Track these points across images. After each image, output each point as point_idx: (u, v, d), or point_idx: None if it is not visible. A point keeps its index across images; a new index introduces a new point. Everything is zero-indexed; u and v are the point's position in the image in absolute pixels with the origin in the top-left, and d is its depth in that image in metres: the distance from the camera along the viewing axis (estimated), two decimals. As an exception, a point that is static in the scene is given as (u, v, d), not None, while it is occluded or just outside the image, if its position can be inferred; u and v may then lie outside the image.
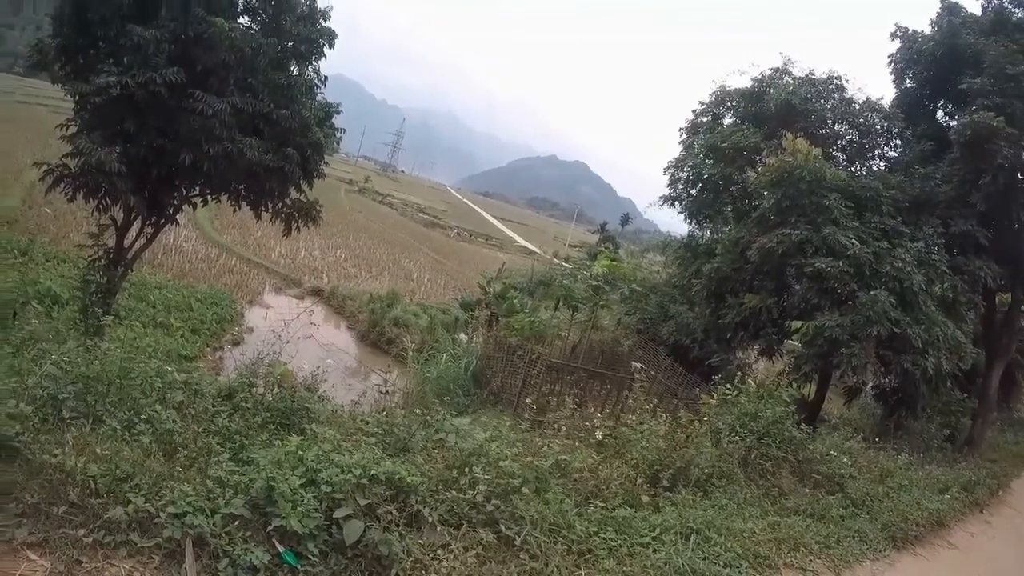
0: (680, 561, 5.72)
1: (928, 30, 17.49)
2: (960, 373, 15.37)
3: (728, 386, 9.40)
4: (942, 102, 18.02)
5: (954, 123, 16.27)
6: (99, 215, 12.45)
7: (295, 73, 13.91)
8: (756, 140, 17.73)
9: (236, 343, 19.55)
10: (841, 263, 13.14)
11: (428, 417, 6.66)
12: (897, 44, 17.94)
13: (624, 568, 5.44)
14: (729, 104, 20.71)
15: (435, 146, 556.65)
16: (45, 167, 11.69)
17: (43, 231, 23.23)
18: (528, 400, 10.07)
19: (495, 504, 5.13)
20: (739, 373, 10.30)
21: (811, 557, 7.04)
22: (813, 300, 13.52)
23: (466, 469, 5.41)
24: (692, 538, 6.21)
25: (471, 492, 5.16)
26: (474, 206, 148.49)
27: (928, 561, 8.42)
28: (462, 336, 21.31)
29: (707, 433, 8.48)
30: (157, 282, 21.07)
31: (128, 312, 16.80)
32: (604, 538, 5.70)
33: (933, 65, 16.93)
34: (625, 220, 68.90)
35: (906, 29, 17.82)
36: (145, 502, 3.77)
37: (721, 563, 6.02)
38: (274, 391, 6.60)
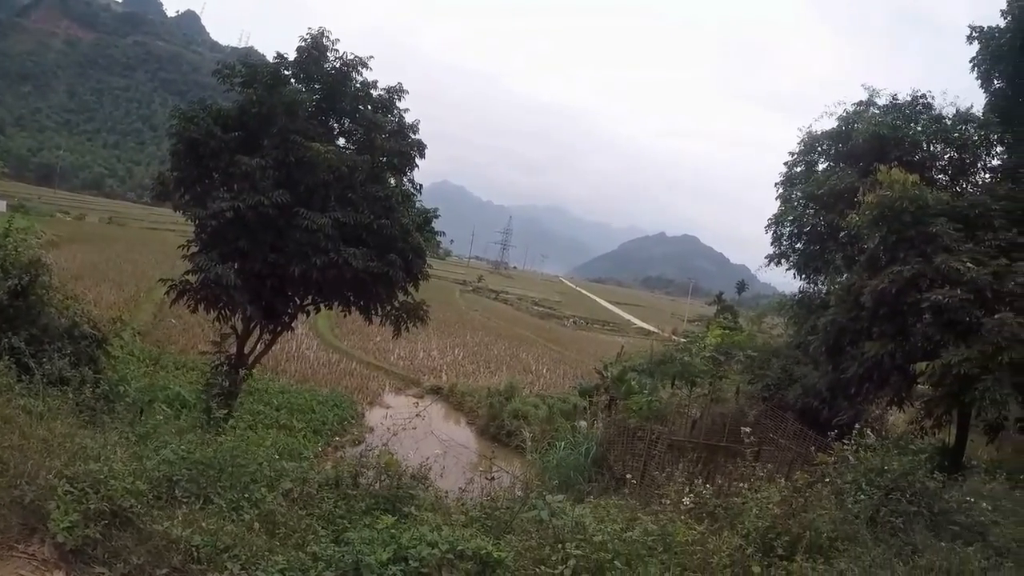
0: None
1: (1002, 22, 16.52)
2: None
3: (845, 441, 8.76)
4: None
5: None
6: (220, 325, 13.75)
7: (392, 184, 15.03)
8: (852, 180, 17.13)
9: (357, 442, 20.11)
10: (959, 291, 12.11)
11: (528, 498, 6.67)
12: (976, 47, 17.08)
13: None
14: (819, 149, 20.28)
15: (545, 239, 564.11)
16: (170, 282, 13.18)
17: (172, 342, 25.57)
18: (628, 476, 9.82)
19: (584, 579, 5.01)
20: (856, 426, 9.54)
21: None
22: (936, 337, 12.39)
23: (559, 545, 5.35)
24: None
25: (561, 567, 5.09)
26: (588, 293, 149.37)
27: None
28: (582, 423, 21.25)
29: (829, 495, 7.91)
30: (280, 387, 22.50)
31: (253, 415, 17.87)
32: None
33: (1017, 57, 15.97)
34: (741, 287, 67.25)
35: (982, 28, 16.94)
36: (241, 570, 4.12)
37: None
38: (381, 480, 6.82)
